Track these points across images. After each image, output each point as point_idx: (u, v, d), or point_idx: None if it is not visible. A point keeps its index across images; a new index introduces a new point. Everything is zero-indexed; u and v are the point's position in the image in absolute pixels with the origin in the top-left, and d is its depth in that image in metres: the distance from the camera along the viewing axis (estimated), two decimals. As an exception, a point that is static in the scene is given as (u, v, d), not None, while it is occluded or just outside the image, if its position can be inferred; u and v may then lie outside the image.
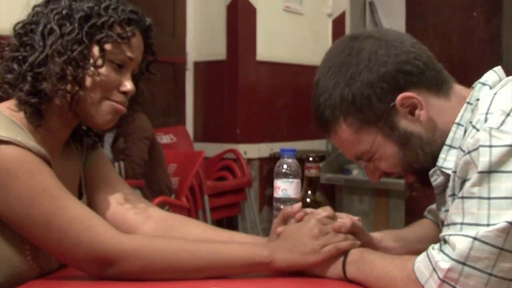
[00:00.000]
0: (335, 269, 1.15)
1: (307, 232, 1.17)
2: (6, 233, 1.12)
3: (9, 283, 1.12)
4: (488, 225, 0.93)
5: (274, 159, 4.72)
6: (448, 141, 1.10)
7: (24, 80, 1.16)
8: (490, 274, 0.93)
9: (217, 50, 4.78)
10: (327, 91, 1.13)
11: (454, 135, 1.10)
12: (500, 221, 0.92)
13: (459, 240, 0.95)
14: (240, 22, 4.72)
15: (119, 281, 1.12)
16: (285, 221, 1.26)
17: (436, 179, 1.12)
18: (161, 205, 3.32)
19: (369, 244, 1.23)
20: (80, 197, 1.31)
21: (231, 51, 4.74)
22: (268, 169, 4.84)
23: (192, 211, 4.00)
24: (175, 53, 4.79)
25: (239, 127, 4.72)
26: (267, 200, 4.82)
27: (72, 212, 1.11)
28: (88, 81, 1.17)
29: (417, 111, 1.11)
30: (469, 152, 0.97)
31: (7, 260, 1.13)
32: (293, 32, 5.19)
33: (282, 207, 1.43)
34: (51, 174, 1.12)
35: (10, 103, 1.18)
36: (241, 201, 4.58)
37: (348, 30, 5.80)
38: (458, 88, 1.16)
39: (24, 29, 1.19)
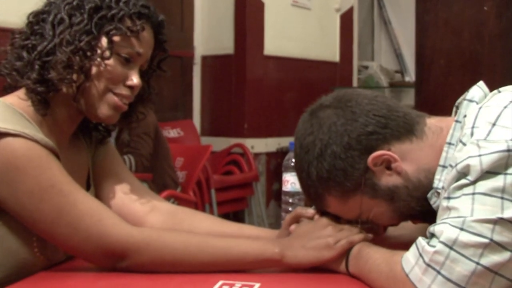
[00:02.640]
0: (343, 264, 1.14)
1: (320, 229, 1.17)
2: (13, 224, 1.12)
3: (16, 274, 1.12)
4: (473, 215, 0.92)
5: (281, 153, 4.71)
6: (441, 162, 1.09)
7: (32, 68, 1.16)
8: (477, 263, 0.91)
9: (225, 44, 4.77)
10: (304, 171, 1.14)
11: (446, 154, 1.09)
12: (486, 215, 0.91)
13: (446, 227, 0.94)
14: (248, 16, 4.70)
15: (127, 273, 1.12)
16: (297, 220, 1.25)
17: (435, 202, 1.10)
18: (167, 199, 3.32)
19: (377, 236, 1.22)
20: (87, 189, 1.31)
21: (239, 46, 4.73)
22: (275, 164, 4.83)
23: (199, 205, 4.00)
24: (183, 47, 4.78)
25: (247, 122, 4.71)
26: (274, 194, 4.82)
27: (82, 206, 1.10)
28: (94, 71, 1.17)
29: (392, 165, 1.10)
30: (457, 166, 0.96)
31: (13, 251, 1.13)
32: (301, 27, 5.17)
33: (290, 200, 1.43)
34: (60, 168, 1.12)
35: (20, 92, 1.19)
36: (248, 195, 4.58)
37: (356, 25, 5.78)
38: (432, 121, 1.15)
39: (36, 18, 1.19)
